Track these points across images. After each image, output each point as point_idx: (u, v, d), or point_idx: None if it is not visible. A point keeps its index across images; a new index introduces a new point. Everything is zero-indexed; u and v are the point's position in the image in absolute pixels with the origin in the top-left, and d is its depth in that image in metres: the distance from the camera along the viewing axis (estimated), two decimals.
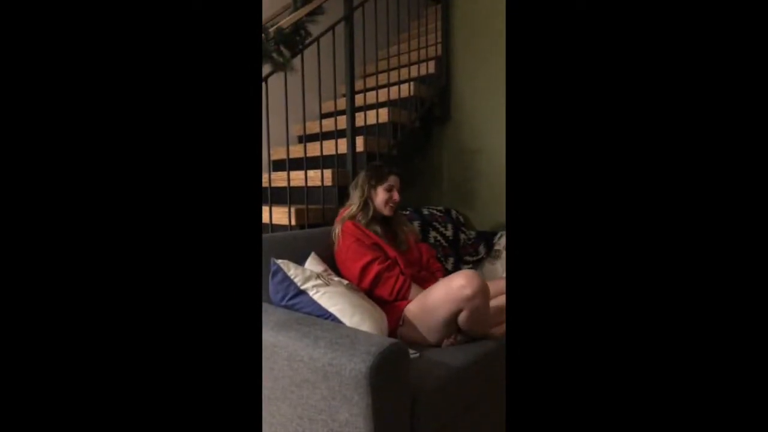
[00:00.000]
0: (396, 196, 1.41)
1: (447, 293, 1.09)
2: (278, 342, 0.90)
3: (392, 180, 1.42)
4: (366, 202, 1.40)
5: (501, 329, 1.25)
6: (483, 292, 1.07)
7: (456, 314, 1.09)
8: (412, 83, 2.13)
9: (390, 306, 1.23)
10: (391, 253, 1.34)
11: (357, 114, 1.91)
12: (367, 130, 1.94)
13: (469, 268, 1.85)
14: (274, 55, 1.53)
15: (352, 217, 1.38)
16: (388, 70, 2.07)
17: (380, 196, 1.40)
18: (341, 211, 1.43)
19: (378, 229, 1.38)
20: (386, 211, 1.40)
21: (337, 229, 1.36)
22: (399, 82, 2.09)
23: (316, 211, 1.68)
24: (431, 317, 1.13)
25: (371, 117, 1.98)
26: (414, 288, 1.29)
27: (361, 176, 1.44)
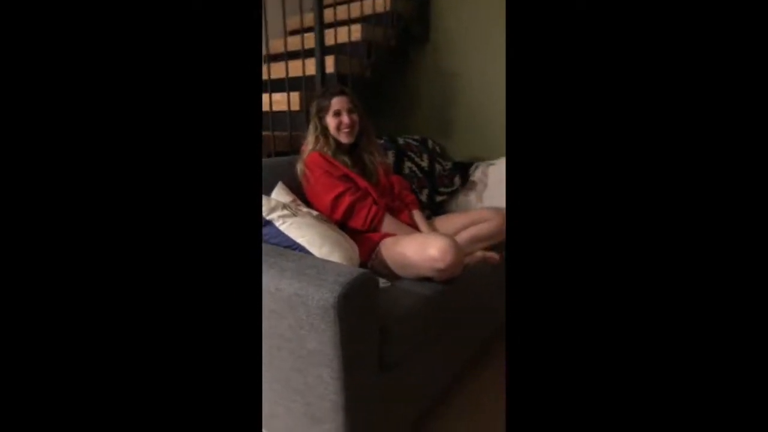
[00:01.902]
0: (345, 118, 1.29)
1: (421, 259, 1.06)
2: None
3: (336, 103, 1.29)
4: (323, 135, 1.31)
5: (474, 257, 1.26)
6: (456, 266, 1.04)
7: (428, 277, 1.08)
8: None
9: (362, 237, 1.20)
10: (362, 183, 1.29)
11: (327, 31, 1.74)
12: (338, 49, 1.78)
13: (443, 200, 1.83)
14: None
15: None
16: None
17: (331, 124, 1.30)
18: (302, 149, 1.34)
19: (346, 159, 1.31)
20: (343, 138, 1.30)
21: (301, 164, 1.28)
22: None
23: (283, 138, 1.58)
24: (403, 268, 1.12)
25: (342, 35, 1.80)
26: (387, 218, 1.26)
27: (312, 108, 1.34)
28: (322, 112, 1.31)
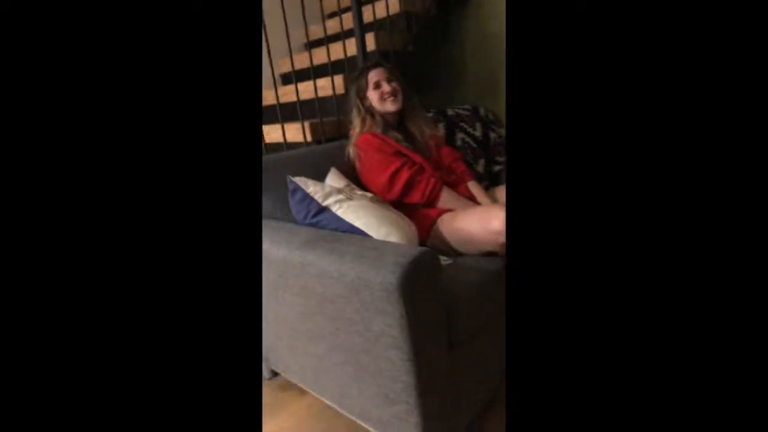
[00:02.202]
0: (386, 87, 1.26)
1: (483, 232, 1.01)
2: (306, 260, 0.88)
3: (374, 75, 1.27)
4: (368, 115, 1.28)
5: None
6: None
7: (491, 252, 1.03)
8: None
9: (419, 215, 1.18)
10: (416, 158, 1.25)
11: (364, 8, 1.69)
12: (377, 25, 1.73)
13: (500, 169, 1.74)
14: None
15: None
16: None
17: (374, 98, 1.28)
18: (350, 134, 1.33)
19: (397, 135, 1.28)
20: (389, 107, 1.27)
21: (352, 147, 1.27)
22: None
23: (332, 124, 1.57)
24: (464, 244, 1.08)
25: (381, 9, 1.75)
26: (445, 191, 1.22)
27: (351, 92, 1.32)
28: (361, 91, 1.29)
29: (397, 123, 1.32)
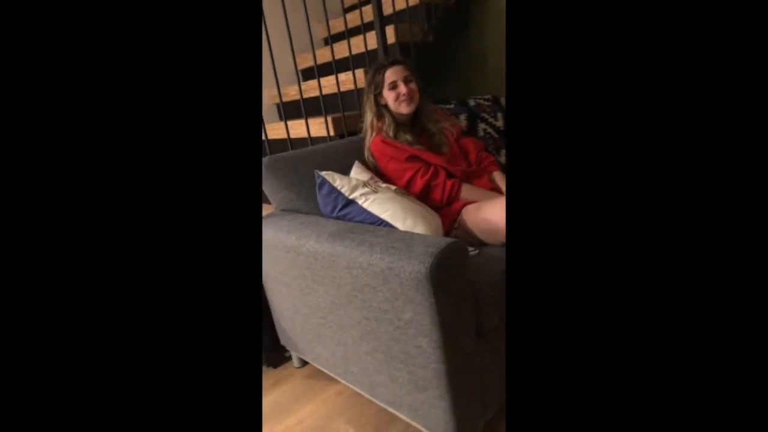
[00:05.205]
0: (403, 88, 1.22)
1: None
2: (335, 252, 0.90)
3: (391, 74, 1.22)
4: (381, 114, 1.25)
5: None
6: None
7: None
8: None
9: (443, 209, 1.19)
10: (433, 159, 1.24)
11: (384, 0, 1.69)
12: (397, 18, 1.73)
13: None
14: None
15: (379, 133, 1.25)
16: None
17: (389, 98, 1.24)
18: (360, 129, 1.32)
19: (408, 137, 1.25)
20: (403, 109, 1.23)
21: (368, 152, 1.26)
22: None
23: (354, 118, 1.59)
24: (489, 234, 1.09)
25: (400, 2, 1.75)
26: (465, 188, 1.22)
27: (366, 87, 1.28)
28: (377, 88, 1.25)
29: (411, 120, 1.30)
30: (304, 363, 1.36)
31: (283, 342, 1.31)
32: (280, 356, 1.39)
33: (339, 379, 1.12)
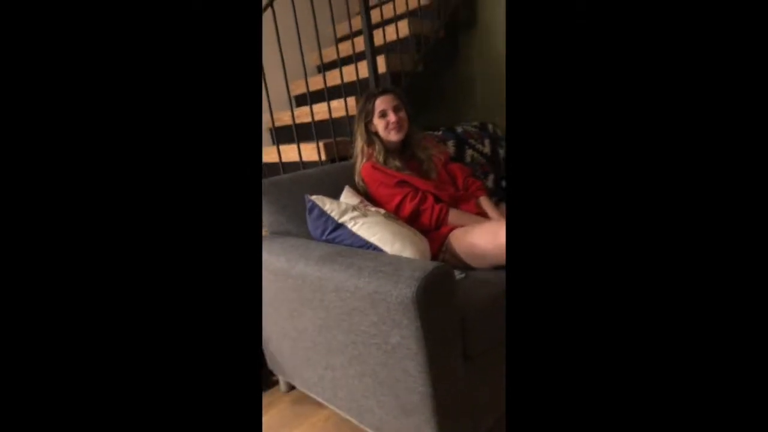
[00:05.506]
0: (392, 117, 1.26)
1: (493, 247, 1.04)
2: (324, 275, 0.91)
3: (381, 103, 1.27)
4: (371, 140, 1.29)
5: None
6: None
7: (502, 265, 1.05)
8: None
9: (431, 233, 1.21)
10: (421, 185, 1.27)
11: (375, 32, 1.76)
12: (387, 48, 1.79)
13: None
14: None
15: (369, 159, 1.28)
16: None
17: (379, 126, 1.28)
18: (350, 155, 1.35)
19: (398, 163, 1.29)
20: (393, 137, 1.28)
21: (358, 178, 1.29)
22: None
23: (345, 144, 1.63)
24: (476, 259, 1.11)
25: (391, 33, 1.82)
26: (452, 212, 1.25)
27: (356, 116, 1.32)
28: (368, 116, 1.29)
29: (401, 147, 1.33)
30: (291, 387, 1.34)
31: (270, 366, 1.30)
32: (267, 380, 1.38)
33: (326, 403, 1.11)
